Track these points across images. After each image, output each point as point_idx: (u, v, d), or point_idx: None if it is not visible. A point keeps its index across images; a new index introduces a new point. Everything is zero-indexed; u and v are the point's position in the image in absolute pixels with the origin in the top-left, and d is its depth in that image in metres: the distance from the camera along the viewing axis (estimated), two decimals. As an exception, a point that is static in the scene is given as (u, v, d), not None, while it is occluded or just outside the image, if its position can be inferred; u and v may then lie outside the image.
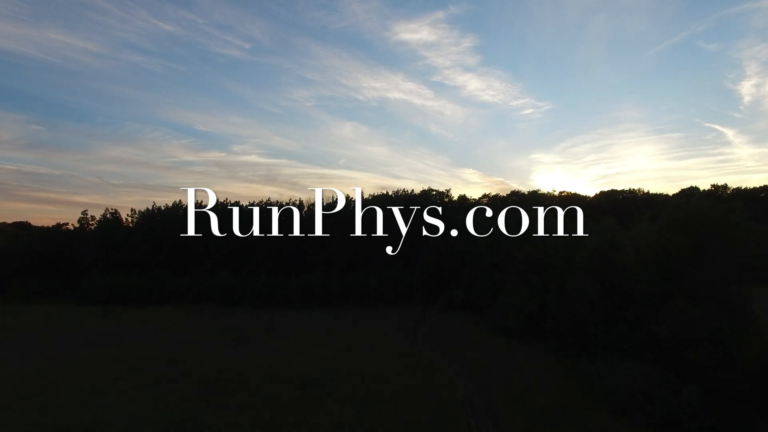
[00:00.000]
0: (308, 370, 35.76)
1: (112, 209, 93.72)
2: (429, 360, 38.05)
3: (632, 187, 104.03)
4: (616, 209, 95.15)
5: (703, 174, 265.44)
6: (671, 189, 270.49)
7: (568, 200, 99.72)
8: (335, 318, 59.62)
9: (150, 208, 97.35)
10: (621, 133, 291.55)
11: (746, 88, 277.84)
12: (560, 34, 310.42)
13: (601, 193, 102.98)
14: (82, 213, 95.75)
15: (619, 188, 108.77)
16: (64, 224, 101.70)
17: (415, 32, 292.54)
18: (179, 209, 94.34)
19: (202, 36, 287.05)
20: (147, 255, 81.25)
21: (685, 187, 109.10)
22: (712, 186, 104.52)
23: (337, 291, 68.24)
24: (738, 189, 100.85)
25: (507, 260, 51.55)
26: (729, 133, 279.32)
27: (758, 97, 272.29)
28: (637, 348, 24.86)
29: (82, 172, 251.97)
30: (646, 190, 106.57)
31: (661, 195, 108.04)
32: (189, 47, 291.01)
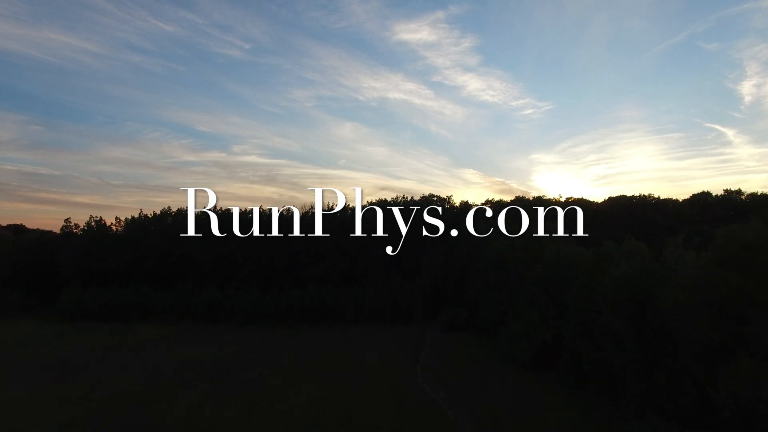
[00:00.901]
0: (292, 418, 31.18)
1: (96, 217, 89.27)
2: (430, 402, 33.46)
3: (641, 193, 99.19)
4: (624, 216, 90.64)
5: (703, 174, 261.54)
6: (672, 189, 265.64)
7: (573, 204, 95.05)
8: (329, 339, 55.08)
9: (137, 216, 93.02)
10: (621, 133, 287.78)
11: (747, 88, 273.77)
12: (560, 34, 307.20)
13: (610, 199, 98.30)
14: (65, 221, 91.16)
15: (628, 193, 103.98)
16: (48, 232, 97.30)
17: (415, 32, 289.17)
18: (167, 216, 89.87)
19: (202, 36, 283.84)
20: (132, 266, 76.69)
21: (691, 190, 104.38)
22: (725, 191, 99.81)
23: (332, 307, 63.70)
24: (754, 195, 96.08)
25: (515, 278, 47.02)
26: (729, 133, 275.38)
27: (759, 97, 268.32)
28: (684, 410, 20.46)
29: (83, 172, 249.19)
30: (656, 195, 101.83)
31: (670, 200, 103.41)
32: (189, 47, 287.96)
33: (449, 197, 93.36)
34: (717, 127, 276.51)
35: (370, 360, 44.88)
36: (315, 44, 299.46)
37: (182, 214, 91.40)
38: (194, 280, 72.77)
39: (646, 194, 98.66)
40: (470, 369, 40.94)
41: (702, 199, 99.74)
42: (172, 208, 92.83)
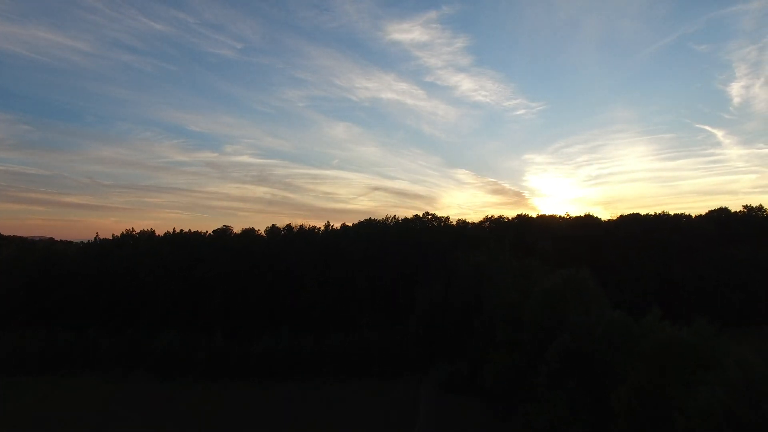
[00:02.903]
0: None
1: (46, 237, 78.93)
2: None
3: (661, 211, 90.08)
4: (638, 235, 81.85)
5: (693, 175, 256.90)
6: (664, 190, 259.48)
7: (583, 225, 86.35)
8: (303, 403, 45.68)
9: (93, 239, 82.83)
10: (613, 133, 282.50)
11: (736, 90, 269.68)
12: (552, 35, 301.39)
13: (621, 217, 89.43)
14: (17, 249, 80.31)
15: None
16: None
17: (408, 32, 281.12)
18: (129, 239, 79.72)
19: (193, 35, 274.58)
20: (81, 301, 66.42)
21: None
22: (744, 207, 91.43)
23: (309, 358, 54.14)
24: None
25: (531, 341, 37.88)
26: (719, 134, 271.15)
27: (747, 99, 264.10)
28: None
29: (73, 172, 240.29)
30: (670, 212, 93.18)
31: (683, 216, 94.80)
32: (180, 47, 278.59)
33: (447, 218, 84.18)
34: (707, 128, 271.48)
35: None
36: (307, 44, 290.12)
37: (147, 237, 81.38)
38: (151, 319, 62.78)
39: (660, 212, 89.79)
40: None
41: (720, 216, 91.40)
42: (135, 228, 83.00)
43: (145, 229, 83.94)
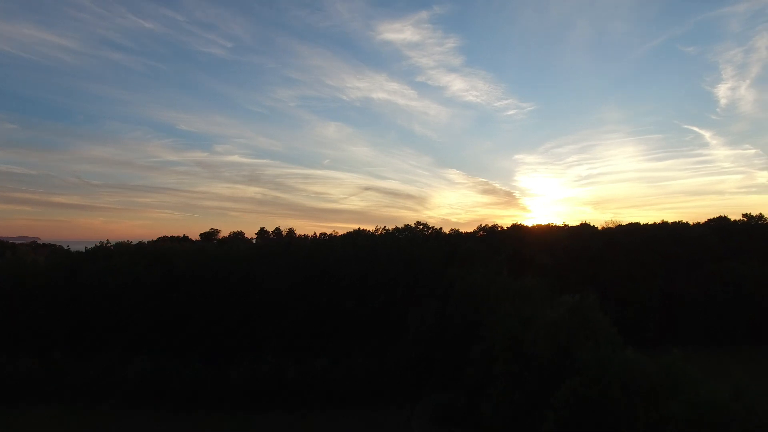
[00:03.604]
0: None
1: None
2: None
3: (660, 220, 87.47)
4: (638, 246, 78.78)
5: (681, 175, 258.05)
6: (653, 190, 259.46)
7: (581, 236, 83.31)
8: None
9: (68, 246, 78.09)
10: (603, 134, 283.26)
11: (722, 91, 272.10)
12: (543, 36, 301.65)
13: (619, 227, 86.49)
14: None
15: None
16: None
17: (399, 32, 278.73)
18: (101, 251, 74.96)
19: (183, 34, 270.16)
20: (46, 322, 61.65)
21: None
22: (744, 216, 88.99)
23: (294, 384, 50.23)
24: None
25: (535, 374, 34.43)
26: (706, 134, 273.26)
27: (734, 100, 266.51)
28: None
29: (60, 172, 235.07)
30: (668, 219, 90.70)
31: (680, 224, 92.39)
32: (170, 45, 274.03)
33: (440, 229, 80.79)
34: (694, 128, 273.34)
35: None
36: (298, 43, 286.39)
37: (122, 250, 76.68)
38: (124, 343, 58.35)
39: (659, 221, 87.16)
40: None
41: (720, 224, 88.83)
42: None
43: (123, 240, 79.65)
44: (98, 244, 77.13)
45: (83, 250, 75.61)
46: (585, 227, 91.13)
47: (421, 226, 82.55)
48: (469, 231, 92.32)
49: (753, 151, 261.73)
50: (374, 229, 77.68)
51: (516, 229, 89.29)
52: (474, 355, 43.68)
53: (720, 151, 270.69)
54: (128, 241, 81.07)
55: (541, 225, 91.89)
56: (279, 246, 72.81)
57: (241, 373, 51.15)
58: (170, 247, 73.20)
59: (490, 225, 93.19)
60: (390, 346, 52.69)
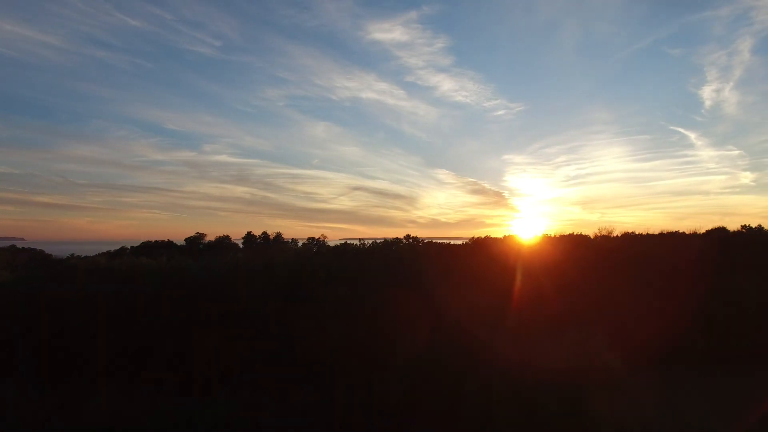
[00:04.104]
0: None
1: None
2: None
3: (660, 231, 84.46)
4: (634, 259, 75.32)
5: (667, 176, 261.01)
6: (640, 191, 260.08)
7: (576, 249, 79.72)
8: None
9: (52, 253, 72.85)
10: (591, 134, 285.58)
11: (707, 93, 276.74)
12: (531, 36, 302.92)
13: (616, 238, 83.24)
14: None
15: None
16: None
17: (388, 32, 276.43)
18: (68, 270, 69.68)
19: (170, 32, 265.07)
20: (6, 346, 56.41)
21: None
22: (743, 227, 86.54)
23: (272, 422, 45.90)
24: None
25: None
26: (692, 136, 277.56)
27: (718, 102, 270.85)
28: None
29: (44, 171, 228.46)
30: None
31: (677, 234, 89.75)
32: (157, 43, 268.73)
33: (430, 240, 77.00)
34: (680, 129, 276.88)
35: None
36: (287, 42, 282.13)
37: (90, 267, 71.47)
38: (87, 374, 53.38)
39: (655, 232, 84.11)
40: None
41: (719, 236, 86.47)
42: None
43: (90, 254, 74.54)
44: (67, 258, 72.39)
45: (49, 266, 70.52)
46: (578, 238, 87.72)
47: (411, 240, 78.68)
48: (460, 237, 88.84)
49: (736, 152, 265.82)
50: (360, 242, 73.76)
51: (507, 240, 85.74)
52: (469, 389, 39.98)
53: (705, 152, 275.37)
54: (97, 254, 76.09)
55: (535, 238, 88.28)
56: (262, 260, 68.41)
57: (215, 410, 46.71)
58: (143, 265, 68.35)
59: (482, 237, 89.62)
60: (377, 379, 48.62)
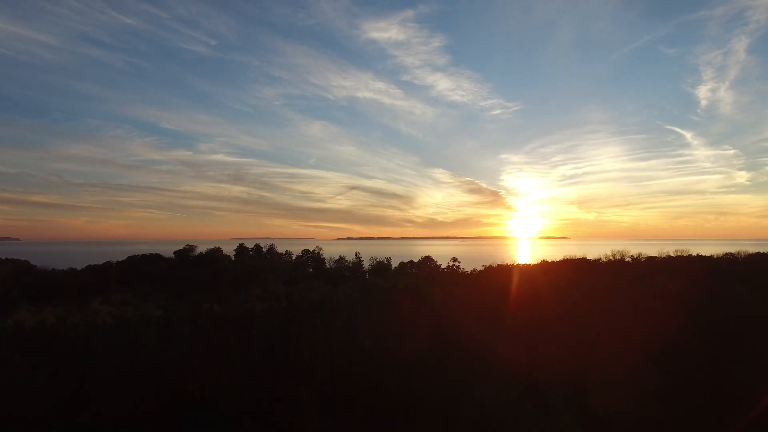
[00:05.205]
0: None
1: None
2: None
3: (673, 251, 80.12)
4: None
5: (663, 175, 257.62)
6: (636, 190, 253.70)
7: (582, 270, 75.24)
8: None
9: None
10: (587, 134, 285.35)
11: (703, 93, 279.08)
12: (528, 36, 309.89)
13: (622, 261, 78.55)
14: None
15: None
16: None
17: (384, 31, 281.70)
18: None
19: (165, 31, 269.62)
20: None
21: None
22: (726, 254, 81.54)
23: None
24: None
25: None
26: (688, 135, 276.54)
27: (713, 101, 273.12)
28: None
29: (40, 170, 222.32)
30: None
31: (686, 256, 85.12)
32: (152, 42, 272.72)
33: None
34: (676, 129, 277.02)
35: None
36: (283, 41, 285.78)
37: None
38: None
39: (669, 253, 79.95)
40: None
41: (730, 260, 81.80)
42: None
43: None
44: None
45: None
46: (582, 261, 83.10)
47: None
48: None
49: (732, 151, 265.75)
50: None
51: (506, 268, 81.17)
52: None
53: (701, 152, 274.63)
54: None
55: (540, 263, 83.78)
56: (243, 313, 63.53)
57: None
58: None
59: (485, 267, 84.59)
60: None
